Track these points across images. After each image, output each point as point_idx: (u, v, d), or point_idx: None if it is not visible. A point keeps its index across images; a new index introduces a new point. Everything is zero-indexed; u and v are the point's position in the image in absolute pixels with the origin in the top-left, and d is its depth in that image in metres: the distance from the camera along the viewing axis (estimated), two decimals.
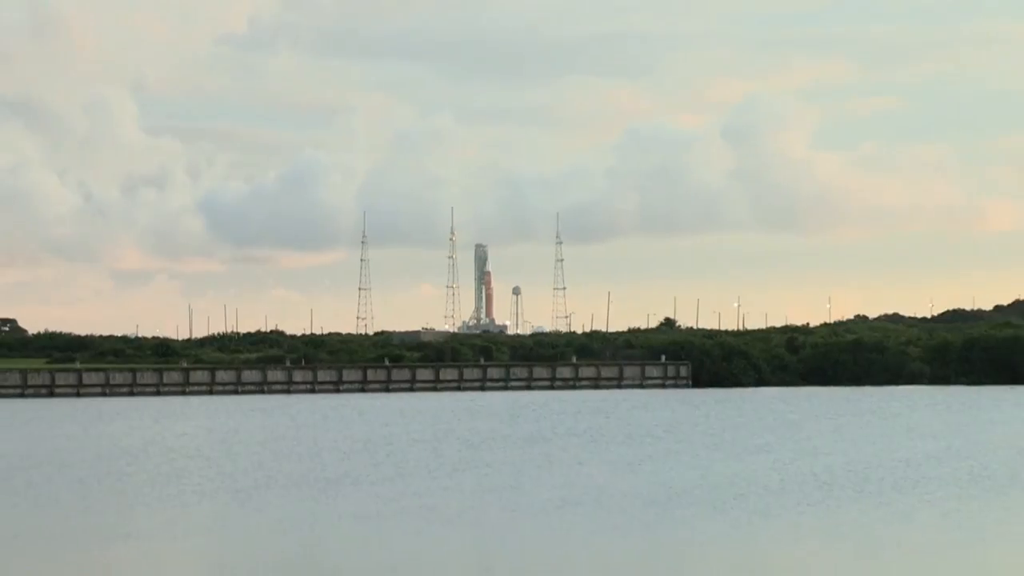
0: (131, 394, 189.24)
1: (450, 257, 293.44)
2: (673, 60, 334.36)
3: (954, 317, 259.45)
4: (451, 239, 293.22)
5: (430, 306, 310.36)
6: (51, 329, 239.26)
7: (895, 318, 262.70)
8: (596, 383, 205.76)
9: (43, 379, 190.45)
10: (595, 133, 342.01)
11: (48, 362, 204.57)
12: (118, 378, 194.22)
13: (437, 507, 64.20)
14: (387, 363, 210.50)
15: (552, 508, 63.64)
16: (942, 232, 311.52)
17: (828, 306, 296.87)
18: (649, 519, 59.42)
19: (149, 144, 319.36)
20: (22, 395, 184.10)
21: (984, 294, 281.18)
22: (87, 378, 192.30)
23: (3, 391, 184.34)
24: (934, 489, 69.44)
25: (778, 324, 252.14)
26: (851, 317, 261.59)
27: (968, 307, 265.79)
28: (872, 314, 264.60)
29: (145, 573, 47.65)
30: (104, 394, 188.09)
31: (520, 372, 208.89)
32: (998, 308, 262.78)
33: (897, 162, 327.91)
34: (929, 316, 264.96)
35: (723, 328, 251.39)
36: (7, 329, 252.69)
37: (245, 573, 47.10)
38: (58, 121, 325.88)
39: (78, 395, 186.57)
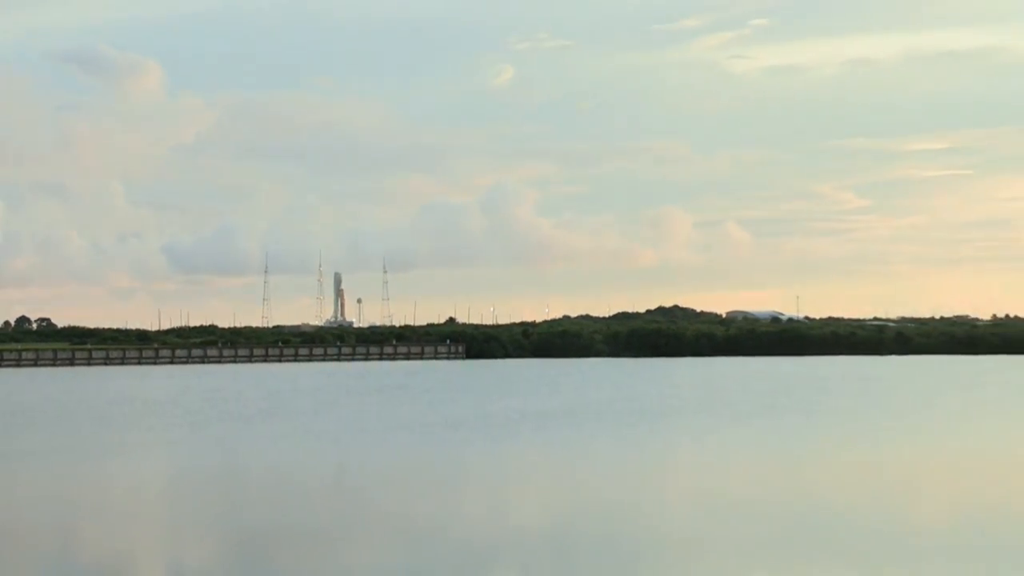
0: (122, 364, 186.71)
1: (319, 280, 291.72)
2: (453, 161, 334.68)
3: (622, 316, 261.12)
4: (319, 269, 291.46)
5: (307, 310, 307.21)
6: (72, 324, 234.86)
7: (586, 317, 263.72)
8: (407, 356, 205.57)
9: (67, 355, 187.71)
10: (404, 206, 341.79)
11: (70, 345, 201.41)
12: (114, 354, 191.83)
13: (315, 431, 63.75)
14: (280, 345, 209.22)
15: (384, 431, 63.39)
16: (611, 266, 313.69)
17: (547, 310, 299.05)
18: (445, 438, 59.32)
19: (132, 212, 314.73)
20: (53, 364, 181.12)
21: (639, 303, 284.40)
22: (95, 354, 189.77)
23: (41, 362, 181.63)
24: (614, 418, 69.90)
25: (517, 320, 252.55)
26: (560, 316, 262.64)
27: (630, 310, 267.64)
28: (573, 314, 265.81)
29: (135, 474, 46.88)
30: (105, 364, 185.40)
31: (361, 350, 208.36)
32: (648, 311, 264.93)
33: (585, 225, 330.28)
34: (607, 316, 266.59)
35: (484, 323, 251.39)
36: (44, 324, 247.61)
37: (199, 472, 46.48)
38: (76, 198, 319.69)
39: (89, 364, 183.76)
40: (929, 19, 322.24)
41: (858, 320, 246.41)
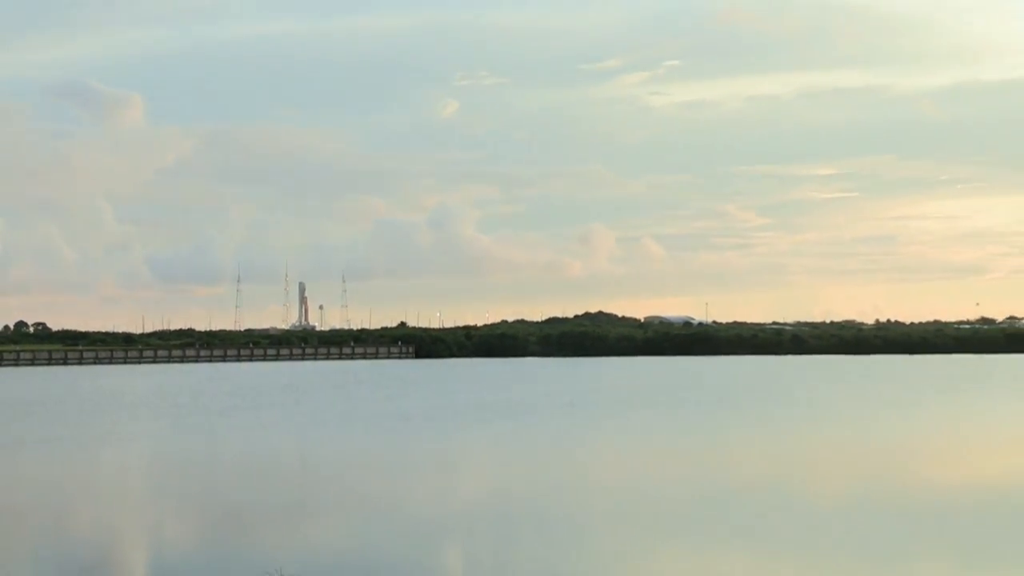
0: (110, 363, 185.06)
1: (285, 289, 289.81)
2: (404, 184, 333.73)
3: (553, 321, 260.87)
4: (286, 279, 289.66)
5: (275, 315, 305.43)
6: (65, 328, 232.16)
7: (522, 321, 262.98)
8: (364, 356, 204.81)
9: (60, 355, 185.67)
10: (361, 223, 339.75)
11: (63, 346, 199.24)
12: (103, 355, 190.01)
13: (283, 421, 63.57)
14: (251, 346, 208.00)
15: (344, 422, 63.29)
16: (544, 276, 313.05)
17: (487, 314, 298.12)
18: (398, 427, 59.38)
19: (118, 228, 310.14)
20: (48, 364, 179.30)
21: (568, 309, 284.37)
22: (85, 355, 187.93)
23: (37, 362, 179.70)
24: (547, 410, 70.07)
25: (461, 324, 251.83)
26: (499, 320, 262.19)
27: (560, 315, 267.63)
28: (510, 319, 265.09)
29: (123, 459, 46.67)
30: (95, 364, 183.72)
31: (322, 350, 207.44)
32: (576, 316, 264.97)
33: (522, 240, 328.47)
34: (540, 320, 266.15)
35: (431, 327, 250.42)
36: (40, 327, 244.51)
37: (180, 457, 46.30)
38: (69, 215, 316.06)
39: (80, 364, 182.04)
40: (820, 61, 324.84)
41: (759, 324, 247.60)
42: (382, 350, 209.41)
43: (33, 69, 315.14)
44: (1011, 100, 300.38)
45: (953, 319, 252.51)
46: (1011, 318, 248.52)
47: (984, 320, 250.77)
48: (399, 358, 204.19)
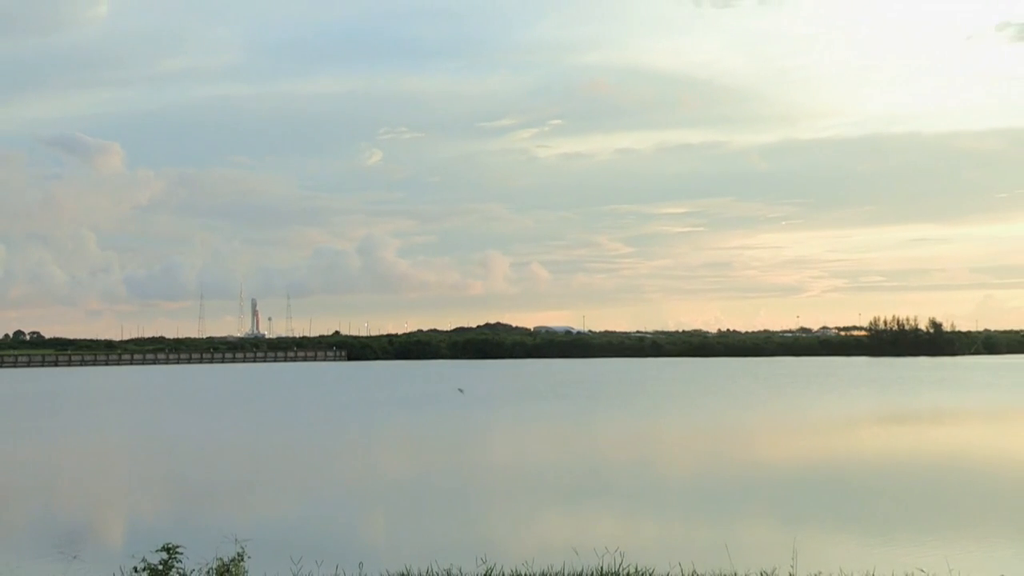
0: (95, 365, 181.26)
1: (240, 304, 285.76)
2: (337, 218, 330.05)
3: (460, 330, 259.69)
4: (240, 295, 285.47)
5: (231, 325, 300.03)
6: (56, 336, 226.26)
7: (434, 331, 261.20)
8: (305, 359, 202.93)
9: (52, 359, 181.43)
10: (302, 250, 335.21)
11: (55, 351, 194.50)
12: (88, 358, 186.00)
13: (236, 412, 62.61)
14: (212, 351, 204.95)
15: (287, 412, 62.43)
16: (451, 293, 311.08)
17: (405, 324, 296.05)
18: (332, 416, 58.75)
19: (102, 254, 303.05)
20: (42, 365, 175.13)
21: (472, 320, 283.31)
22: (73, 358, 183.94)
23: (33, 364, 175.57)
24: (454, 403, 69.67)
25: (384, 332, 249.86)
26: (415, 330, 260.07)
27: (466, 325, 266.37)
28: (424, 328, 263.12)
29: (104, 442, 45.64)
30: (82, 365, 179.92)
31: (271, 354, 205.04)
32: (478, 326, 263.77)
33: (434, 264, 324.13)
34: (449, 329, 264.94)
35: (360, 335, 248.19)
36: (35, 335, 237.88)
37: (151, 438, 45.37)
38: (59, 243, 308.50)
39: (69, 366, 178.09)
40: (671, 122, 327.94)
41: (625, 332, 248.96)
42: (320, 354, 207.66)
43: (29, 123, 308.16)
44: (823, 154, 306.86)
45: (778, 329, 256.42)
46: (824, 328, 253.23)
47: (803, 330, 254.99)
48: (334, 360, 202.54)
